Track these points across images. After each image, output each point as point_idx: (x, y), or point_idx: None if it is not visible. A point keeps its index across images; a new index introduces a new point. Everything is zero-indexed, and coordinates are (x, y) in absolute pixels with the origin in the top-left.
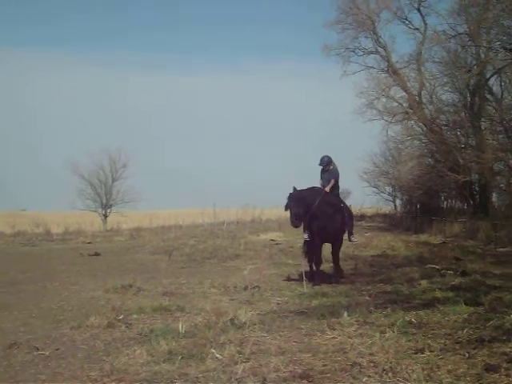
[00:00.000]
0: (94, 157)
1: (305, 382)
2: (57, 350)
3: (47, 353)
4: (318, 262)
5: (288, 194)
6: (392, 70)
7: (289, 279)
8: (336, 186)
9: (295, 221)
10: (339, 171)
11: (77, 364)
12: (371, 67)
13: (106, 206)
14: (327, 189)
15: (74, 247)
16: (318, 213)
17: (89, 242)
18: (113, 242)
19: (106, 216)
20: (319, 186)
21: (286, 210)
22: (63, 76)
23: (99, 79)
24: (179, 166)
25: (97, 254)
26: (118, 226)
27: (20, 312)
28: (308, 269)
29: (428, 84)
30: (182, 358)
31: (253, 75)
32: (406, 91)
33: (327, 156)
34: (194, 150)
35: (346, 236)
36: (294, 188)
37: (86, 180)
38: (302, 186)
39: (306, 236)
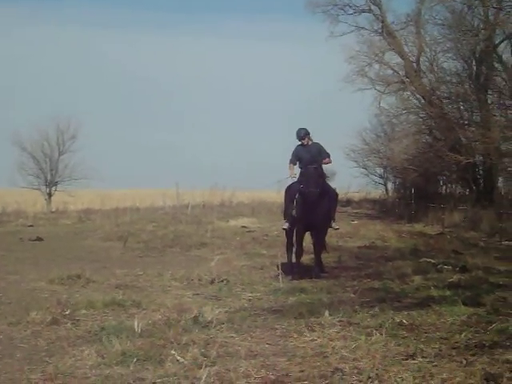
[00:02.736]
0: (38, 125)
1: None
2: None
3: None
4: (299, 252)
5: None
6: (387, 32)
7: (262, 272)
8: (319, 166)
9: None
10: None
11: (15, 365)
12: (363, 28)
13: (50, 184)
14: (326, 161)
15: (12, 231)
16: (303, 195)
17: (30, 225)
18: (58, 225)
19: (50, 195)
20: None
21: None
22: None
23: (48, 33)
24: (138, 139)
25: (39, 239)
26: (65, 207)
27: None
28: (285, 260)
29: (428, 49)
30: (137, 360)
31: (232, 37)
32: (402, 57)
33: (304, 128)
34: (156, 122)
35: None
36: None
37: (27, 153)
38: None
39: (285, 225)
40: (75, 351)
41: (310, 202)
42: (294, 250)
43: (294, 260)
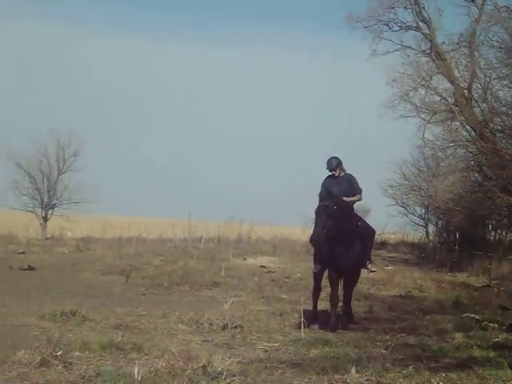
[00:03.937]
0: (36, 140)
1: None
2: None
3: None
4: (335, 300)
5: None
6: (436, 54)
7: (282, 319)
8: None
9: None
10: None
11: None
12: (409, 47)
13: (47, 206)
14: (354, 198)
15: (1, 257)
16: (335, 236)
17: (21, 252)
18: (53, 253)
19: (46, 219)
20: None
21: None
22: None
23: (50, 39)
24: (149, 160)
25: (31, 269)
26: (62, 234)
27: None
28: (308, 307)
29: (482, 75)
30: None
31: (251, 46)
32: (452, 82)
33: (335, 157)
34: (170, 142)
35: None
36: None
37: (23, 169)
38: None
39: (316, 268)
40: None
41: (338, 243)
42: (330, 296)
43: (330, 310)
